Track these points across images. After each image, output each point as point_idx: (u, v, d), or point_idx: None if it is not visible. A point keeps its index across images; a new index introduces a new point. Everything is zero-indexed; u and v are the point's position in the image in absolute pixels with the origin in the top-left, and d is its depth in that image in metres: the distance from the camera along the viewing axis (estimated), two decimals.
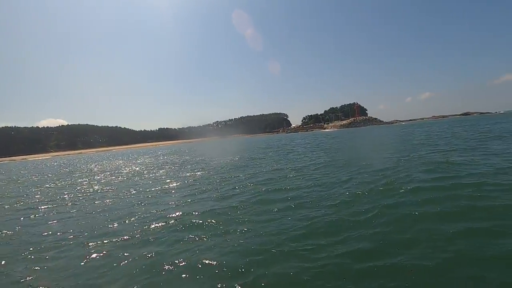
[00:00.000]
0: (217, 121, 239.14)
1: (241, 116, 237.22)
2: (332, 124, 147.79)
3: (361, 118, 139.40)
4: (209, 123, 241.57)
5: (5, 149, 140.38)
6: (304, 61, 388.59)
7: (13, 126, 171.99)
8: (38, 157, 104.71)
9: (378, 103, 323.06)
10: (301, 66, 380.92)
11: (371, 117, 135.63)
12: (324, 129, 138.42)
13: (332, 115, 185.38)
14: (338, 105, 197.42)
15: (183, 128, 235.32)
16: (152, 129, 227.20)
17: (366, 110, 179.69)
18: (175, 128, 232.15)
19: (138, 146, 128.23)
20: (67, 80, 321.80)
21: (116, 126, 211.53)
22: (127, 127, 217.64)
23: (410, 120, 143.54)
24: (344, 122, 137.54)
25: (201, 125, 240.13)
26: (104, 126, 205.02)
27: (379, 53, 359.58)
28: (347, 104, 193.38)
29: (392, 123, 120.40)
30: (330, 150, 20.51)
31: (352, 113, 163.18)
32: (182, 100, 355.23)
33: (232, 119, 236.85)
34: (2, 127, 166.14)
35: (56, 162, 50.67)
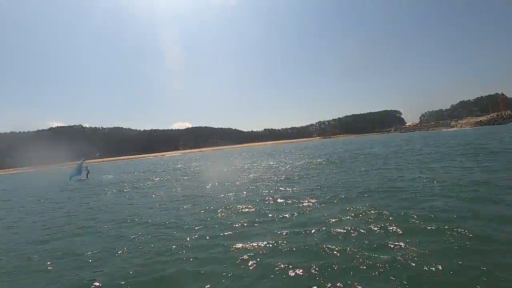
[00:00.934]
0: (320, 121, 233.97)
1: (346, 115, 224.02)
2: (464, 121, 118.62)
3: (508, 113, 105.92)
4: (311, 123, 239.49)
5: (150, 147, 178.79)
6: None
7: (156, 129, 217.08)
8: (173, 153, 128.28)
9: None
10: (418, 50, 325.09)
11: None
12: (452, 127, 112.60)
13: (463, 110, 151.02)
14: (472, 98, 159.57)
15: (286, 128, 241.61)
16: (259, 130, 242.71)
17: None
18: (279, 129, 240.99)
19: (248, 146, 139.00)
20: (192, 93, 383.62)
21: (228, 128, 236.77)
22: (238, 129, 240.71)
23: None
24: (482, 118, 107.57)
25: (303, 125, 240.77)
26: (219, 128, 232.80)
27: None
28: (486, 96, 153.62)
29: None
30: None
31: (494, 106, 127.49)
32: (283, 100, 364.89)
33: (336, 119, 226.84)
34: (149, 130, 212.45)
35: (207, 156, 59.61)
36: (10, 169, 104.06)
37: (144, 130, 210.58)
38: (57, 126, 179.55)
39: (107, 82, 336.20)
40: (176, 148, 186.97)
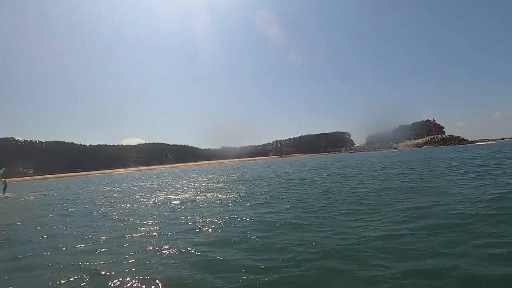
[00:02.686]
0: (277, 140, 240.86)
1: (301, 135, 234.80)
2: (403, 143, 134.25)
3: (439, 136, 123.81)
4: (268, 142, 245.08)
5: (97, 163, 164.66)
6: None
7: (104, 144, 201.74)
8: (121, 171, 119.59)
9: (455, 120, 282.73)
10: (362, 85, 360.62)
11: (452, 135, 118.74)
12: (394, 148, 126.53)
13: (401, 133, 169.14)
14: (409, 123, 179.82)
15: (244, 147, 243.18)
16: (215, 148, 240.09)
17: (443, 128, 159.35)
18: (236, 147, 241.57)
19: (202, 164, 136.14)
20: (145, 109, 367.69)
21: (184, 145, 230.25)
22: (194, 146, 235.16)
23: (503, 138, 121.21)
24: (419, 141, 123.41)
25: (261, 144, 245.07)
26: (174, 144, 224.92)
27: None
28: (419, 122, 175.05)
29: (476, 142, 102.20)
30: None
31: (427, 131, 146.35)
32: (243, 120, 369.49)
33: (291, 138, 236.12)
34: (96, 145, 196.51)
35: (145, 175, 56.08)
36: None
37: (90, 145, 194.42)
38: None
39: (44, 92, 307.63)
40: (127, 165, 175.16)
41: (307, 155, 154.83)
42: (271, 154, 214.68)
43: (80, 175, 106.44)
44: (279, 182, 16.77)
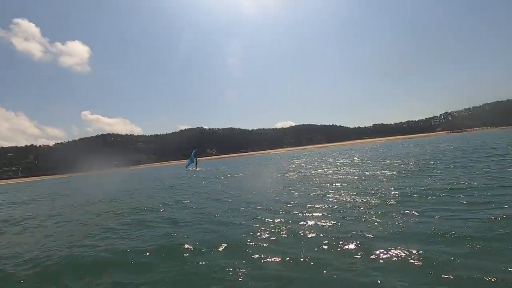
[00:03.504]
0: (446, 112, 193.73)
1: (485, 102, 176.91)
2: None
3: None
4: (434, 115, 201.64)
5: (258, 145, 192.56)
6: None
7: (262, 128, 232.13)
8: (277, 151, 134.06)
9: None
10: None
11: None
12: None
13: None
14: None
15: (400, 123, 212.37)
16: (366, 126, 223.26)
17: None
18: (391, 124, 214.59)
19: (352, 143, 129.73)
20: (296, 90, 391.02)
21: (332, 125, 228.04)
22: (342, 125, 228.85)
23: None
24: None
25: (423, 118, 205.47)
26: (322, 125, 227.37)
27: None
28: None
29: None
30: None
31: None
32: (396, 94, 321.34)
33: (469, 108, 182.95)
34: (256, 129, 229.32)
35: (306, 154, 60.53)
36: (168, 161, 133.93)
37: (252, 130, 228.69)
38: (185, 129, 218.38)
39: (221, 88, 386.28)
40: (280, 146, 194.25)
41: (498, 128, 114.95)
42: (439, 129, 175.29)
43: (245, 155, 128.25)
44: None
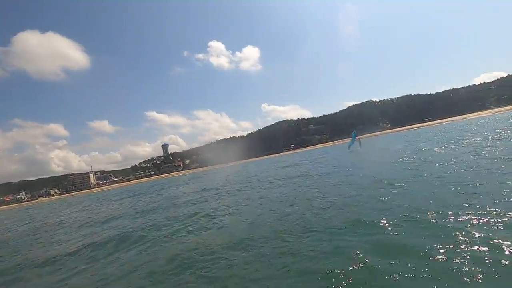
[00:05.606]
0: None
1: None
2: None
3: None
4: None
5: (446, 111, 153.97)
6: None
7: (452, 88, 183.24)
8: (477, 115, 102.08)
9: None
10: None
11: None
12: None
13: None
14: None
15: None
16: None
17: None
18: None
19: None
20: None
21: None
22: None
23: None
24: None
25: None
26: None
27: None
28: None
29: None
30: None
31: None
32: None
33: None
34: (443, 91, 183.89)
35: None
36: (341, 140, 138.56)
37: (436, 93, 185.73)
38: (352, 105, 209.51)
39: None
40: (484, 107, 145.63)
41: None
42: None
43: (429, 125, 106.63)
44: None
